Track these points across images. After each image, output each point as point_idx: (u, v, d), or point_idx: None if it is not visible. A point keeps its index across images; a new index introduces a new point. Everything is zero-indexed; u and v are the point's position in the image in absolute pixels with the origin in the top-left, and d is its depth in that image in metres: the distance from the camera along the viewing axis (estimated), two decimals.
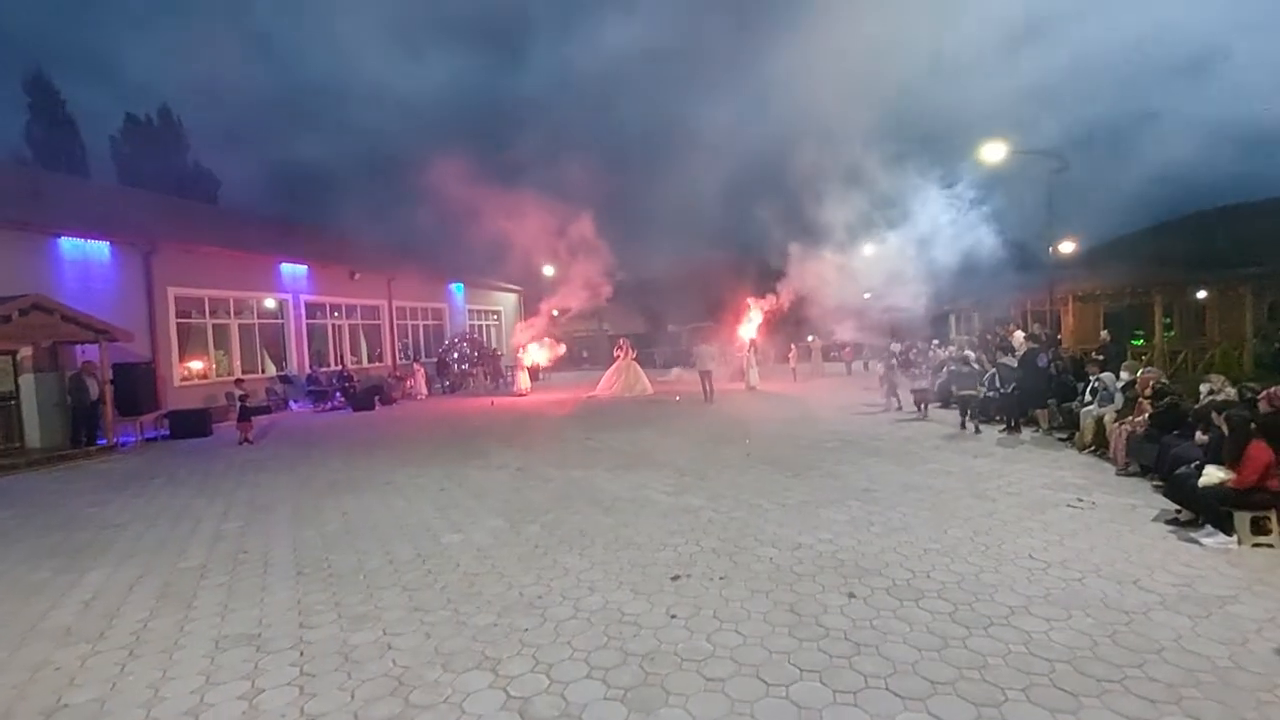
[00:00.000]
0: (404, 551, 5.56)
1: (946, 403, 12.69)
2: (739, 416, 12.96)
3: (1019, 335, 14.23)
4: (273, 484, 8.54)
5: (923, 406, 11.72)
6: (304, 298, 18.55)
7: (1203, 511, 5.15)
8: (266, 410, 16.12)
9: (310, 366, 18.35)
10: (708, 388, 15.59)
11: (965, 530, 5.47)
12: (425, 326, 24.28)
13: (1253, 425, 5.16)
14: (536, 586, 4.66)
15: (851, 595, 4.26)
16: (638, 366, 18.45)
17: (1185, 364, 13.35)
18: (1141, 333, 17.26)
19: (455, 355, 22.56)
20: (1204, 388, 6.82)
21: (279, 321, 18.10)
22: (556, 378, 23.83)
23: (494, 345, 26.58)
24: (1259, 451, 4.90)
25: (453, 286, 25.83)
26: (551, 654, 3.67)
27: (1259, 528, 4.88)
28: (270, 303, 17.86)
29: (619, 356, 18.46)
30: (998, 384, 11.06)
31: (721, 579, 4.64)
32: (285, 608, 4.51)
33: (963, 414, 10.71)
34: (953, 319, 25.96)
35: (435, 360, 21.99)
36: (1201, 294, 16.71)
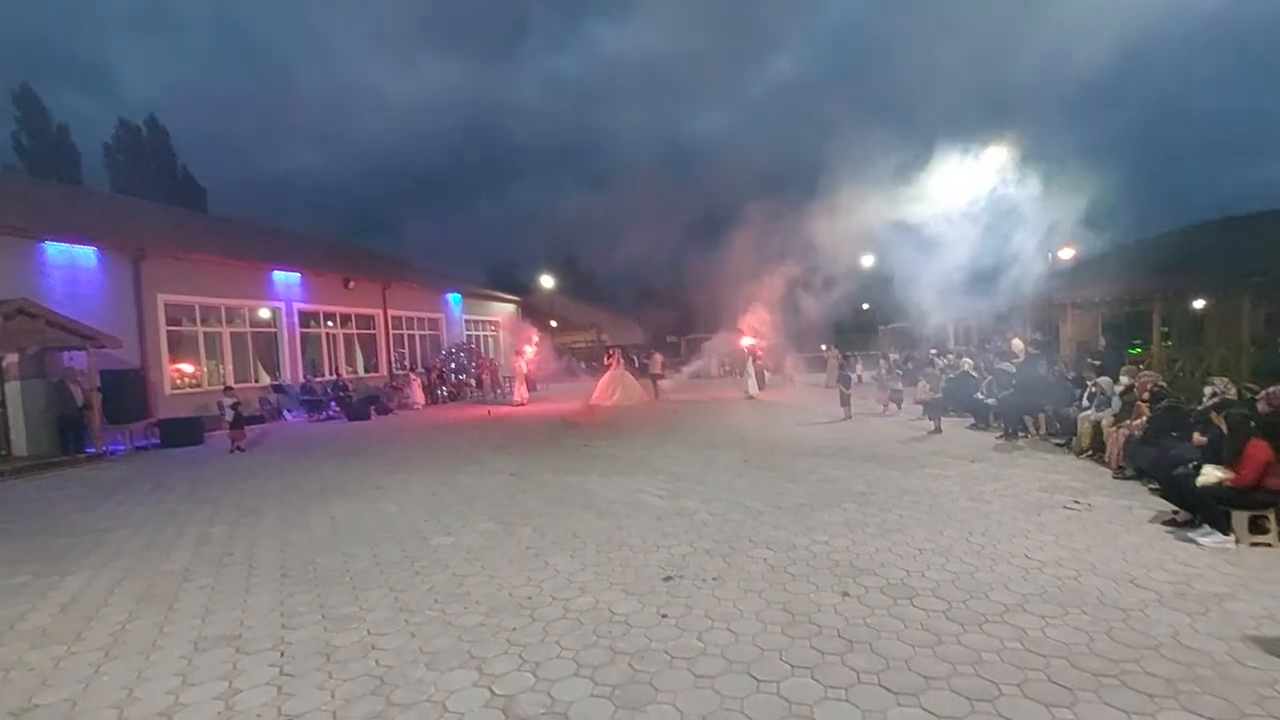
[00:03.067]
0: (391, 554, 5.48)
1: (945, 411, 12.60)
2: (736, 425, 12.89)
3: (1017, 343, 14.18)
4: (262, 490, 8.45)
5: (936, 420, 11.21)
6: (297, 306, 18.50)
7: (1200, 511, 5.09)
8: (260, 420, 16.03)
9: (304, 376, 18.27)
10: (655, 389, 19.27)
11: (960, 531, 5.40)
12: (422, 336, 24.24)
13: (1252, 424, 5.12)
14: (526, 587, 4.58)
15: (846, 594, 4.19)
16: (630, 376, 18.49)
17: (1184, 371, 13.30)
18: (1139, 342, 17.22)
19: (453, 365, 22.52)
20: (1208, 389, 6.74)
21: (272, 330, 18.04)
22: (553, 388, 23.75)
23: (491, 355, 26.54)
24: (1258, 450, 4.85)
25: (449, 296, 25.83)
26: (539, 653, 3.59)
27: (1257, 527, 4.81)
28: (264, 312, 17.81)
29: (610, 366, 18.55)
30: (995, 390, 11.03)
31: (714, 579, 4.56)
32: (268, 609, 4.43)
33: (933, 417, 11.06)
34: (951, 330, 25.98)
35: (432, 369, 21.91)
36: (1199, 303, 16.73)
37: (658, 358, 21.35)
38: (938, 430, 10.70)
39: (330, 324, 20.17)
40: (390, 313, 22.09)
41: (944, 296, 16.17)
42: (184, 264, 15.50)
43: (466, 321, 26.87)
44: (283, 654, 3.76)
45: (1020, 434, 9.92)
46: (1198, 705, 2.81)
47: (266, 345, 18.07)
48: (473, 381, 22.54)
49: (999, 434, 10.14)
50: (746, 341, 19.35)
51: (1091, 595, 4.02)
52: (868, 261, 28.10)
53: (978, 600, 4.01)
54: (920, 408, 12.65)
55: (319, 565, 5.28)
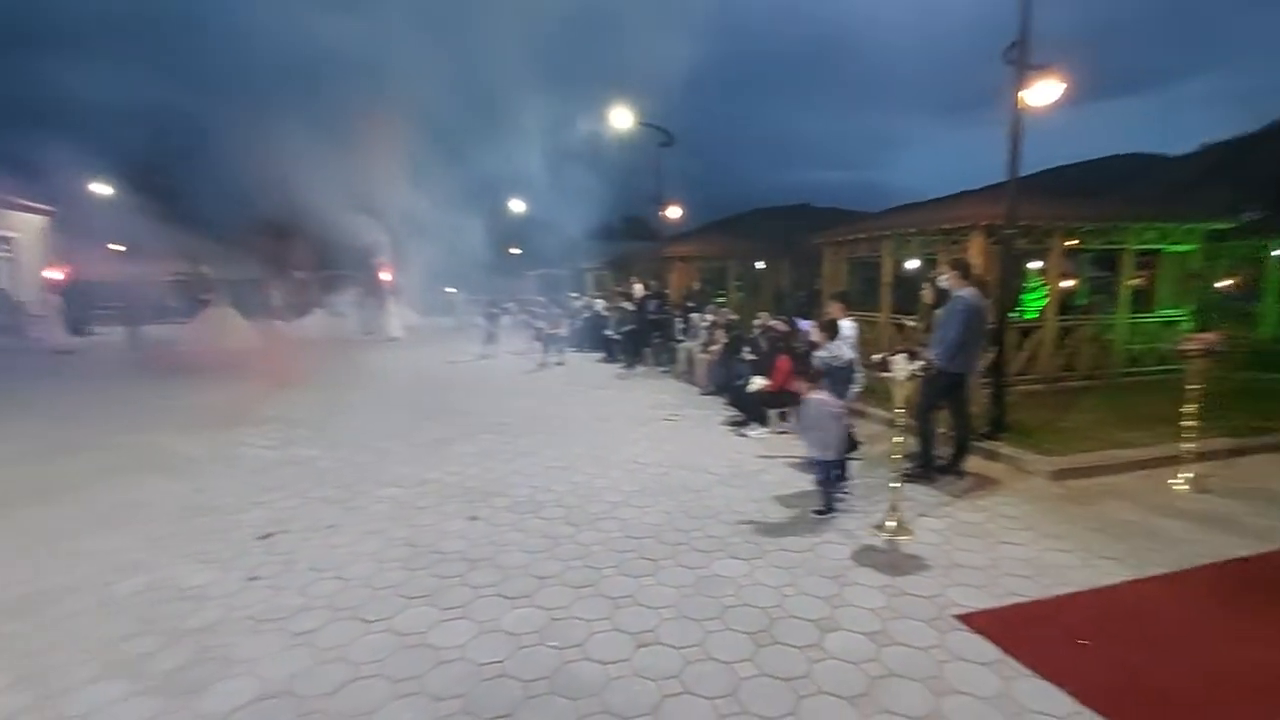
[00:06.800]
0: None
1: (581, 347, 13.93)
2: (373, 365, 11.85)
3: (638, 287, 16.39)
4: None
5: (555, 353, 12.10)
6: None
7: (749, 412, 6.61)
8: None
9: None
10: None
11: (584, 447, 5.93)
12: None
13: (780, 344, 6.81)
14: (37, 581, 3.31)
15: (474, 518, 4.16)
16: (235, 314, 15.32)
17: (745, 313, 17.33)
18: (723, 292, 21.66)
19: None
20: (756, 322, 8.80)
21: None
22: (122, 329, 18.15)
23: (2, 285, 18.83)
24: (784, 363, 6.47)
25: None
26: (46, 662, 2.61)
27: (783, 419, 6.48)
28: None
29: (206, 303, 15.18)
30: (619, 326, 12.50)
31: (329, 528, 4.03)
32: None
33: (545, 349, 12.04)
34: (590, 277, 28.66)
35: None
36: (760, 264, 21.92)
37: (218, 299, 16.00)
38: (560, 364, 11.63)
39: None
40: None
41: (578, 245, 17.68)
42: None
43: None
44: None
45: (638, 364, 11.49)
46: (738, 552, 3.59)
47: None
48: None
49: (622, 365, 11.57)
50: (386, 278, 17.90)
51: (677, 485, 4.83)
52: (518, 207, 28.80)
53: (593, 503, 4.43)
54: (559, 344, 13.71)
55: None
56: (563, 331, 14.47)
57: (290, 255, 23.64)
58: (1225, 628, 2.78)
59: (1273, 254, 12.35)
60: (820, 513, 4.11)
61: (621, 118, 14.35)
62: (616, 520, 4.10)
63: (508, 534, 3.89)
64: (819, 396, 4.12)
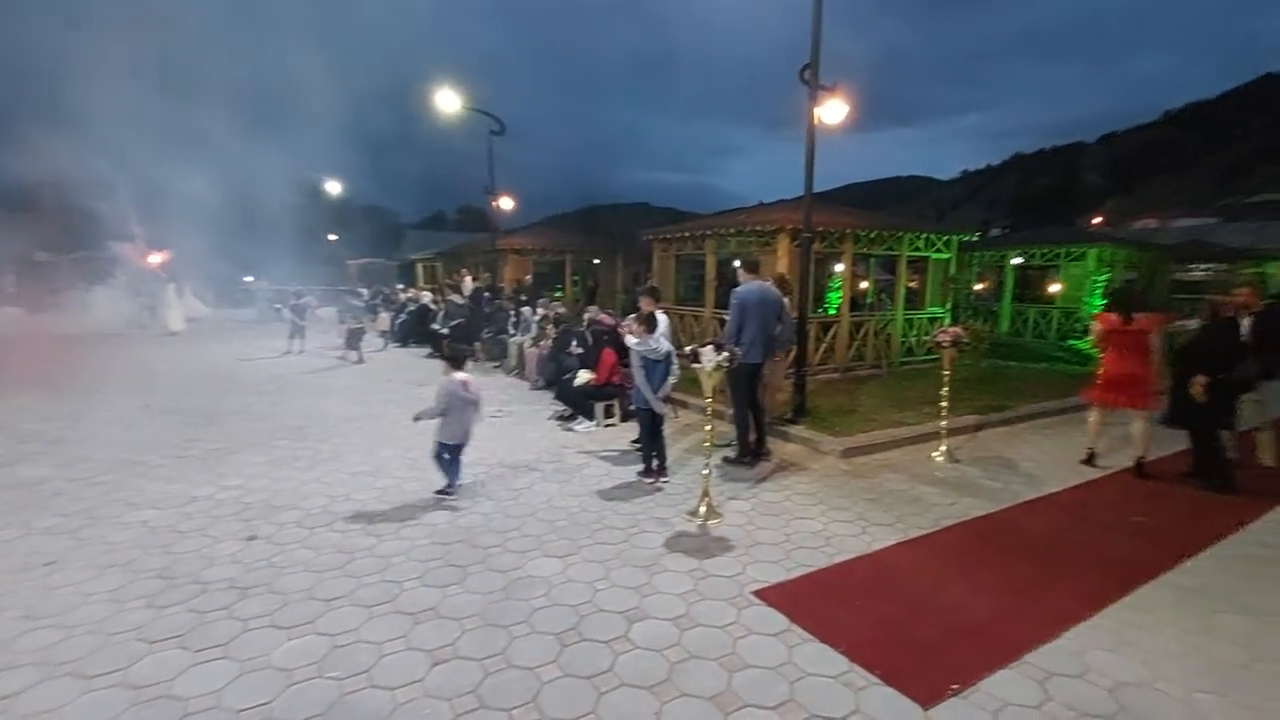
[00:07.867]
0: None
1: (406, 341, 13.04)
2: (145, 364, 10.02)
3: (469, 280, 15.76)
4: None
5: (358, 349, 11.07)
6: None
7: (575, 406, 6.57)
8: None
9: None
10: None
11: (397, 450, 5.49)
12: None
13: (605, 338, 6.85)
14: None
15: (252, 538, 3.62)
16: None
17: (582, 308, 17.39)
18: (560, 286, 21.54)
19: None
20: (586, 316, 8.79)
21: None
22: None
23: None
24: (608, 356, 6.52)
25: None
26: None
27: (608, 412, 6.53)
28: None
29: None
30: (447, 321, 11.87)
31: (49, 565, 3.27)
32: None
33: (351, 345, 10.85)
34: (420, 268, 26.97)
35: None
36: (596, 260, 22.08)
37: None
38: (360, 361, 10.71)
39: None
40: None
41: (405, 233, 16.48)
42: None
43: None
44: None
45: (467, 359, 10.97)
46: (553, 549, 3.50)
47: None
48: None
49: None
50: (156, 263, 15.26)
51: (498, 483, 4.63)
52: (335, 189, 26.29)
53: (400, 510, 4.09)
54: (382, 340, 12.80)
55: None
56: (380, 325, 13.49)
57: (28, 232, 19.18)
58: (968, 580, 3.24)
59: (1011, 262, 15.02)
60: (440, 493, 4.27)
61: (448, 101, 13.57)
62: (425, 526, 3.82)
63: (294, 553, 3.44)
64: (459, 378, 4.30)
